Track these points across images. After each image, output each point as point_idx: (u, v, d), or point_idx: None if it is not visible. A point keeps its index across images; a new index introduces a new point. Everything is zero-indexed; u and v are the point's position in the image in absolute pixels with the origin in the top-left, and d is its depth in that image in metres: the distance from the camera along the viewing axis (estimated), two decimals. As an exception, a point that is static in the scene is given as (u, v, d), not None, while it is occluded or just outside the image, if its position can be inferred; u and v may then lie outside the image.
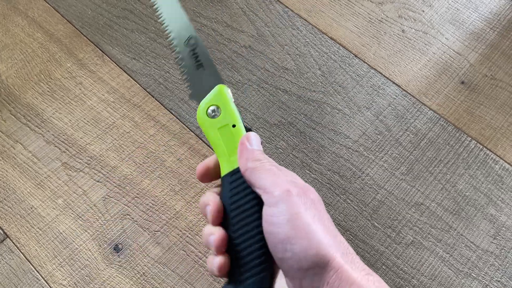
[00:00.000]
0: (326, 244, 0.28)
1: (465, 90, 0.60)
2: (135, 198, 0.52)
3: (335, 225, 0.32)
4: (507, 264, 0.49)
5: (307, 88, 0.59)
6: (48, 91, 0.59)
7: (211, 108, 0.35)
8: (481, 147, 0.56)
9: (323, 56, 0.62)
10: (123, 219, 0.51)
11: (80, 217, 0.51)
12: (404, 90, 0.60)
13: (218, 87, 0.35)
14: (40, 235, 0.50)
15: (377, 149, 0.56)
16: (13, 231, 0.51)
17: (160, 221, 0.51)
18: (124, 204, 0.52)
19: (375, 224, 0.51)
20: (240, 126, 0.34)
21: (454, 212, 0.52)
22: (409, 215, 0.52)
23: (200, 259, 0.49)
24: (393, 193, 0.53)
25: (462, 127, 0.57)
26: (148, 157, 0.55)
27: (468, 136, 0.57)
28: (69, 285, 0.48)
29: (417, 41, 0.63)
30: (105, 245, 0.50)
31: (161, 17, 0.38)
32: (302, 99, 0.59)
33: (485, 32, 0.64)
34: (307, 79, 0.60)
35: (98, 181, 0.53)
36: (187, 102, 0.58)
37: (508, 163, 0.55)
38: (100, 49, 0.62)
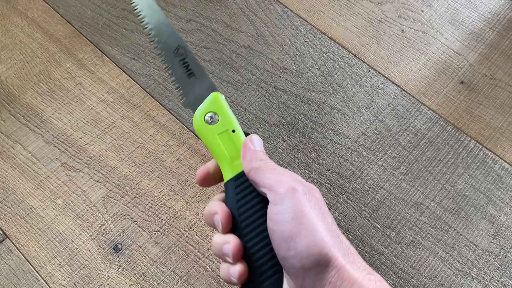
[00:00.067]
0: (328, 243, 0.28)
1: (465, 90, 0.60)
2: (135, 198, 0.52)
3: (334, 224, 0.32)
4: (507, 264, 0.49)
5: (306, 88, 0.60)
6: (47, 91, 0.59)
7: (209, 114, 0.35)
8: (480, 146, 0.56)
9: (323, 56, 0.62)
10: (122, 219, 0.51)
11: (79, 217, 0.51)
12: (404, 90, 0.60)
13: (213, 95, 0.36)
14: (39, 235, 0.50)
15: (376, 149, 0.56)
16: (12, 231, 0.51)
17: (159, 221, 0.51)
18: (124, 204, 0.52)
19: (375, 224, 0.51)
20: (240, 131, 0.35)
21: (453, 211, 0.52)
22: (409, 215, 0.52)
23: (200, 259, 0.49)
24: (392, 193, 0.53)
25: (462, 127, 0.57)
26: (147, 157, 0.55)
27: (468, 136, 0.57)
28: (69, 285, 0.48)
29: (417, 41, 0.63)
30: (105, 245, 0.50)
31: (147, 28, 0.38)
32: (302, 99, 0.59)
33: (484, 32, 0.64)
34: (306, 79, 0.60)
35: (97, 181, 0.53)
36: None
37: (508, 163, 0.55)
38: (99, 49, 0.62)
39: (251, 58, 0.62)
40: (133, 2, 0.39)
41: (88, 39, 0.63)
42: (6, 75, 0.60)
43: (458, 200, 0.53)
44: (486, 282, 0.48)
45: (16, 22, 0.64)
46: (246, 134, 0.35)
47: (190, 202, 0.52)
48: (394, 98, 0.59)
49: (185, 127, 0.57)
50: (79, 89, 0.59)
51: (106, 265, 0.49)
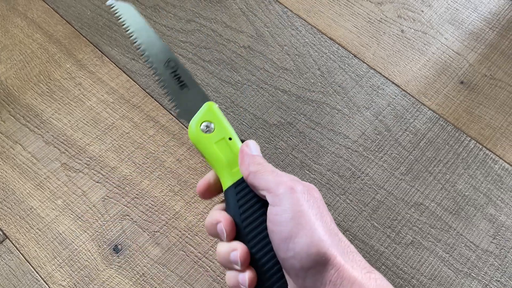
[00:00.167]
0: (326, 242, 0.28)
1: (465, 90, 0.60)
2: (135, 199, 0.52)
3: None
4: (507, 264, 0.49)
5: (306, 88, 0.60)
6: (47, 91, 0.59)
7: (204, 124, 0.35)
8: (480, 147, 0.56)
9: (322, 56, 0.62)
10: (122, 219, 0.51)
11: (79, 217, 0.51)
12: (404, 90, 0.60)
13: (207, 104, 0.36)
14: (39, 235, 0.50)
15: (376, 149, 0.56)
16: (12, 232, 0.51)
17: (159, 222, 0.51)
18: (124, 205, 0.52)
19: (375, 224, 0.51)
20: (236, 138, 0.35)
21: (453, 212, 0.52)
22: (409, 215, 0.52)
23: (200, 259, 0.49)
24: (392, 193, 0.53)
25: (462, 127, 0.57)
26: (147, 158, 0.55)
27: (468, 136, 0.57)
28: (69, 286, 0.48)
29: (417, 41, 0.63)
30: (105, 246, 0.50)
31: (136, 42, 0.38)
32: (302, 99, 0.59)
33: (484, 32, 0.64)
34: (306, 79, 0.60)
35: (97, 182, 0.53)
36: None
37: (508, 163, 0.55)
38: (99, 50, 0.62)
39: (251, 58, 0.62)
40: (120, 18, 0.39)
41: (88, 40, 0.63)
42: (6, 76, 0.60)
43: (458, 200, 0.53)
44: (486, 282, 0.48)
45: (16, 23, 0.64)
46: (242, 141, 0.35)
47: (190, 203, 0.52)
48: (394, 98, 0.59)
49: (185, 128, 0.57)
50: (79, 90, 0.59)
51: (106, 266, 0.49)
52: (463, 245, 0.50)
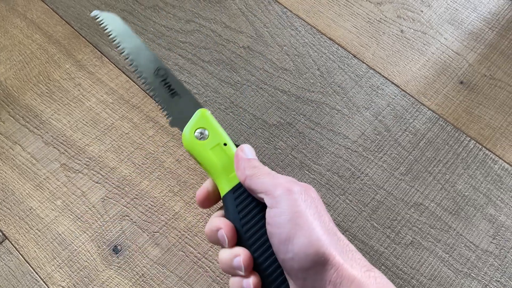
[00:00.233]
0: (324, 242, 0.28)
1: (464, 90, 0.60)
2: (134, 199, 0.52)
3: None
4: (507, 264, 0.49)
5: (306, 89, 0.59)
6: (47, 92, 0.59)
7: (198, 130, 0.35)
8: (480, 147, 0.56)
9: (322, 56, 0.62)
10: (122, 220, 0.51)
11: (79, 218, 0.51)
12: (403, 90, 0.60)
13: (199, 111, 0.36)
14: (39, 236, 0.50)
15: (376, 149, 0.56)
16: (12, 232, 0.51)
17: (159, 222, 0.51)
18: (123, 205, 0.52)
19: (374, 224, 0.51)
20: (231, 143, 0.35)
21: (453, 212, 0.52)
22: (408, 215, 0.52)
23: (199, 260, 0.49)
24: (392, 193, 0.53)
25: (461, 127, 0.57)
26: (147, 158, 0.55)
27: (467, 136, 0.57)
28: (68, 287, 0.48)
29: (416, 41, 0.63)
30: (104, 246, 0.50)
31: (124, 52, 0.38)
32: (301, 100, 0.59)
33: (484, 32, 0.64)
34: (306, 79, 0.60)
35: (97, 182, 0.53)
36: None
37: (507, 163, 0.55)
38: (99, 50, 0.62)
39: (251, 58, 0.62)
40: (106, 29, 0.39)
41: (88, 40, 0.63)
42: (5, 76, 0.60)
43: (458, 200, 0.53)
44: (486, 283, 0.48)
45: (15, 23, 0.64)
46: (237, 146, 0.35)
47: (190, 203, 0.52)
48: (394, 99, 0.59)
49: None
50: (79, 90, 0.59)
51: (106, 266, 0.49)
52: (462, 245, 0.50)
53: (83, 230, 0.51)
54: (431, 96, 0.59)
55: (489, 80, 0.60)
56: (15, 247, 0.50)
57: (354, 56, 0.62)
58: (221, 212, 0.35)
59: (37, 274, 0.49)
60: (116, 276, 0.48)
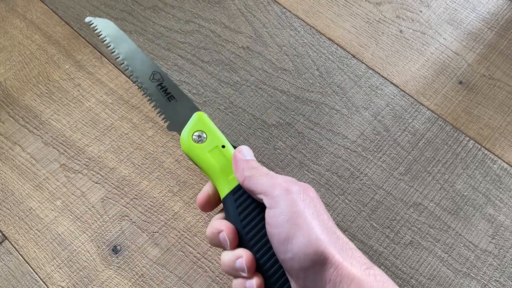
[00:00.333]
0: (323, 241, 0.28)
1: (463, 90, 0.60)
2: (134, 199, 0.52)
3: (332, 225, 0.32)
4: (506, 264, 0.49)
5: (305, 89, 0.60)
6: (46, 92, 0.59)
7: (196, 134, 0.35)
8: (479, 146, 0.56)
9: (321, 56, 0.62)
10: (121, 220, 0.51)
11: (78, 218, 0.51)
12: (402, 90, 0.60)
13: (196, 114, 0.36)
14: (38, 236, 0.50)
15: (375, 149, 0.56)
16: (11, 232, 0.51)
17: (158, 222, 0.51)
18: (123, 206, 0.52)
19: (374, 224, 0.51)
20: (229, 145, 0.35)
21: (452, 212, 0.52)
22: (408, 215, 0.52)
23: (199, 260, 0.49)
24: (391, 193, 0.53)
25: (460, 127, 0.57)
26: (146, 158, 0.55)
27: (466, 136, 0.57)
28: (68, 287, 0.48)
29: (415, 42, 0.63)
30: (104, 247, 0.50)
31: (119, 57, 0.38)
32: (300, 100, 0.59)
33: (483, 32, 0.64)
34: (305, 79, 0.60)
35: (96, 183, 0.53)
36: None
37: (507, 163, 0.55)
38: (98, 51, 0.62)
39: (250, 59, 0.62)
40: (100, 35, 0.39)
41: (87, 41, 0.63)
42: (5, 77, 0.60)
43: (457, 200, 0.53)
44: (485, 282, 0.48)
45: (15, 24, 0.64)
46: (235, 148, 0.35)
47: (189, 203, 0.52)
48: (393, 99, 0.59)
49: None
50: (78, 91, 0.59)
51: (105, 266, 0.49)
52: (462, 245, 0.50)
53: (82, 230, 0.51)
54: (430, 96, 0.59)
55: (488, 80, 0.60)
56: (14, 247, 0.50)
57: (353, 56, 0.62)
58: (222, 214, 0.35)
59: (36, 274, 0.49)
60: (116, 276, 0.48)
